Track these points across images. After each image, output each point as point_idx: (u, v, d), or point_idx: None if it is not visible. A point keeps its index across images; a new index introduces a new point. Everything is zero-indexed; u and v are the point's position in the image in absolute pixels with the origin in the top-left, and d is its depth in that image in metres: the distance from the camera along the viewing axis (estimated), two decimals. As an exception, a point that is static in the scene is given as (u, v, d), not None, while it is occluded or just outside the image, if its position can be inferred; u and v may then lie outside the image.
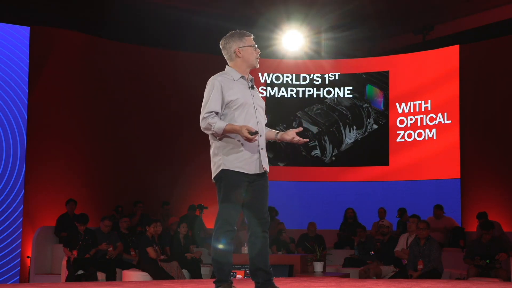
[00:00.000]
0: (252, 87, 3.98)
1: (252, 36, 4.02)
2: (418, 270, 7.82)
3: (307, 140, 4.01)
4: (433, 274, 7.68)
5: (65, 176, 10.72)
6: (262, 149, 3.91)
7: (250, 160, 3.85)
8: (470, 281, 6.65)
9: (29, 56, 10.32)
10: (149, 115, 11.88)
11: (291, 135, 4.01)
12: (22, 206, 9.99)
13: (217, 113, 3.83)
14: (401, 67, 12.08)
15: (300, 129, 4.01)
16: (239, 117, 3.84)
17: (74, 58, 11.09)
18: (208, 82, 3.92)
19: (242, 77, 3.96)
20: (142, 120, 11.78)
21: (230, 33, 4.03)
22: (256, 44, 4.01)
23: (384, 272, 8.69)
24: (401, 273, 8.10)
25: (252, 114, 3.89)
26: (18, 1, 10.67)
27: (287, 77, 12.44)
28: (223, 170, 3.84)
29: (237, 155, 3.83)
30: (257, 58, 3.99)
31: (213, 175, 3.91)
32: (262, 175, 3.92)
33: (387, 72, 12.13)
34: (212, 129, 3.80)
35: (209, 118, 3.81)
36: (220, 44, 4.04)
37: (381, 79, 12.16)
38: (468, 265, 8.24)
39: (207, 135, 3.98)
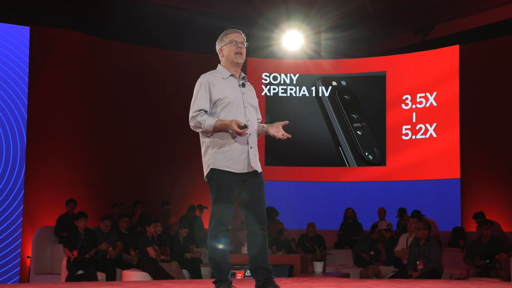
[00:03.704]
0: (243, 85, 3.96)
1: (237, 33, 3.97)
2: (418, 270, 7.81)
3: (290, 135, 3.85)
4: (433, 274, 7.67)
5: (65, 176, 10.72)
6: (251, 148, 3.87)
7: (238, 159, 3.83)
8: (470, 281, 6.64)
9: (29, 56, 10.33)
10: (149, 115, 11.88)
11: (274, 130, 3.89)
12: (22, 206, 10.00)
13: (205, 111, 3.84)
14: (400, 67, 12.07)
15: (286, 122, 3.93)
16: (227, 116, 3.83)
17: (74, 58, 11.09)
18: (198, 80, 3.94)
19: (232, 75, 3.96)
20: (142, 120, 11.78)
21: None
22: (242, 40, 3.95)
23: (384, 272, 8.69)
24: (401, 273, 8.09)
25: (241, 112, 3.88)
26: (18, 1, 10.67)
27: (287, 77, 12.43)
28: (212, 169, 3.85)
29: (225, 154, 3.83)
30: (238, 53, 3.92)
31: (204, 174, 3.91)
32: (256, 174, 3.88)
33: (387, 72, 12.13)
34: (202, 127, 3.82)
35: (198, 117, 3.83)
36: None
37: (381, 79, 12.15)
38: (468, 265, 8.25)
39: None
